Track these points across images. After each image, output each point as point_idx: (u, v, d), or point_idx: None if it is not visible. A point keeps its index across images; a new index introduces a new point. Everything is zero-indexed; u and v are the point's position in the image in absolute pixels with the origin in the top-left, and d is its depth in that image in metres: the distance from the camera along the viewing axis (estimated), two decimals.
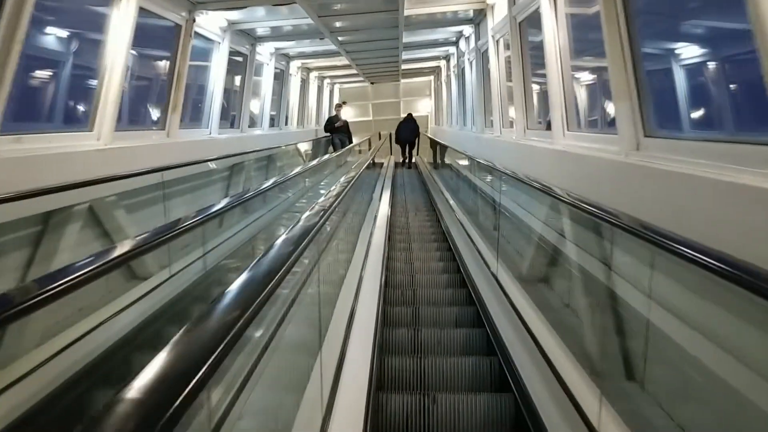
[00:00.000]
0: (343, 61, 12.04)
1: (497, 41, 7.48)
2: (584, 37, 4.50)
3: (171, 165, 5.35)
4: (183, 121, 7.10)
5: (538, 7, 4.85)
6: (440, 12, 8.31)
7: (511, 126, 6.76)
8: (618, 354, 2.82)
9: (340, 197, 4.69)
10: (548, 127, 5.28)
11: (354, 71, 14.48)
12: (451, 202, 8.73)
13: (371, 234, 6.47)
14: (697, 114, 3.18)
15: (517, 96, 5.91)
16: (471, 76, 10.07)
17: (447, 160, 12.23)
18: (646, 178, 2.79)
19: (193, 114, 7.33)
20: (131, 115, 5.83)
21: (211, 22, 6.96)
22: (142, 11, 5.27)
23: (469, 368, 3.43)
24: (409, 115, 16.07)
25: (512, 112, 6.75)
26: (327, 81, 17.58)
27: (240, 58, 8.69)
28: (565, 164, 3.91)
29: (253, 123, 9.97)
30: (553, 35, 4.58)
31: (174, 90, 6.01)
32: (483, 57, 8.87)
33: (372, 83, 19.04)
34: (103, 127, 4.57)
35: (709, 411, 2.29)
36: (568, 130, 4.28)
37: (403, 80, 18.70)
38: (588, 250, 3.48)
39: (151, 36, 6.19)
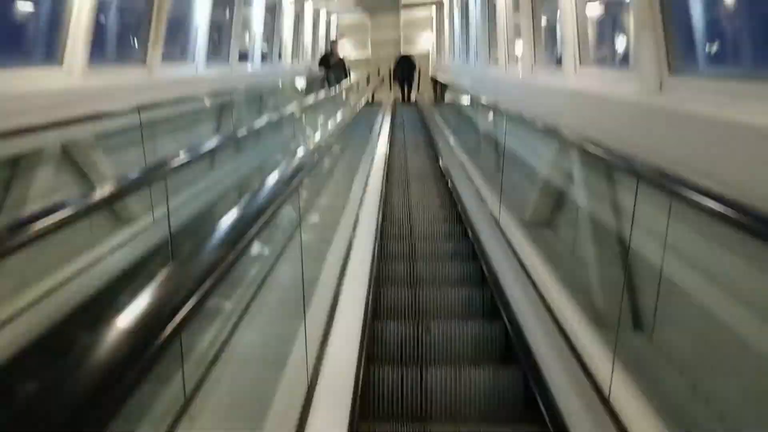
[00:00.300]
0: None
1: None
2: None
3: (154, 103, 5.02)
4: (168, 57, 6.67)
5: None
6: None
7: (517, 62, 6.34)
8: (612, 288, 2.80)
9: (335, 137, 4.42)
10: (558, 63, 4.90)
11: (351, 2, 13.75)
12: (451, 140, 8.42)
13: (369, 172, 6.31)
14: (732, 48, 2.83)
15: (524, 29, 5.47)
16: (475, 8, 9.48)
17: (449, 98, 11.78)
18: (670, 124, 2.49)
19: (179, 49, 6.88)
20: (108, 49, 5.41)
21: None
22: None
23: (462, 299, 3.59)
24: (406, 54, 16.37)
25: (519, 47, 6.32)
26: (323, 13, 16.75)
27: None
28: (576, 105, 3.59)
29: (243, 58, 9.47)
30: None
31: (155, 22, 5.54)
32: None
33: (370, 13, 18.21)
34: (74, 62, 4.20)
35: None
36: (580, 66, 3.92)
37: (403, 12, 17.86)
38: (590, 190, 3.29)
39: None
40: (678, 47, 2.64)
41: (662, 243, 2.46)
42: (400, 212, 5.55)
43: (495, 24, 7.32)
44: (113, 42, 5.54)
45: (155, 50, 5.56)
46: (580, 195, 3.53)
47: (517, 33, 6.22)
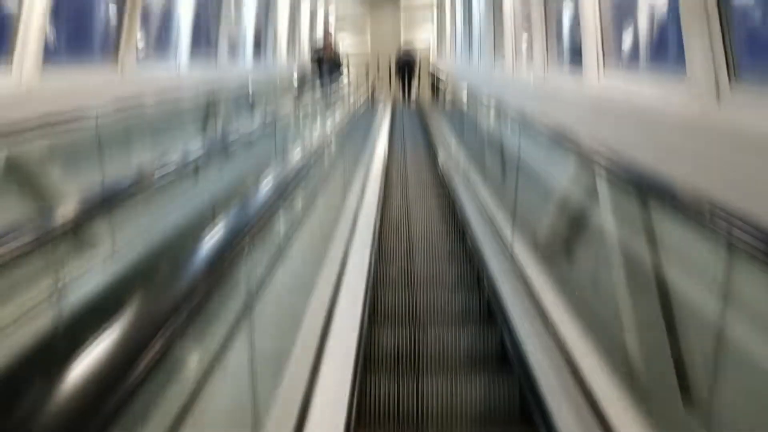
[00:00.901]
0: None
1: None
2: None
3: (119, 108, 4.48)
4: (145, 54, 6.16)
5: None
6: None
7: (527, 63, 5.80)
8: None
9: (324, 148, 3.90)
10: (577, 65, 4.38)
11: None
12: (453, 147, 7.88)
13: (365, 186, 5.69)
14: None
15: (535, 23, 4.94)
16: (478, 1, 8.94)
17: (450, 97, 11.24)
18: (728, 145, 1.98)
19: (158, 45, 6.34)
20: (72, 46, 4.88)
21: None
22: None
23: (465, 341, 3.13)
24: (407, 48, 16.16)
25: (528, 45, 5.77)
26: (320, 8, 16.21)
27: None
28: (603, 117, 3.06)
29: (233, 54, 8.95)
30: None
31: (129, 13, 5.02)
32: None
33: (370, 6, 17.74)
34: (24, 62, 3.68)
35: None
36: (606, 67, 3.39)
37: (403, 6, 17.35)
38: (617, 217, 2.78)
39: None
40: (742, 47, 2.12)
41: (716, 291, 1.99)
42: (398, 235, 4.86)
43: (501, 20, 6.78)
44: (79, 38, 5.01)
45: (128, 47, 5.03)
46: (604, 220, 3.02)
47: (527, 30, 5.69)
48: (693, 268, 2.16)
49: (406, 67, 15.93)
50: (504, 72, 6.45)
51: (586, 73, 3.55)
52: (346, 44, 18.75)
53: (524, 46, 6.09)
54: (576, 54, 3.91)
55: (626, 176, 2.54)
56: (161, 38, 6.31)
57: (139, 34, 5.24)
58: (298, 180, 2.76)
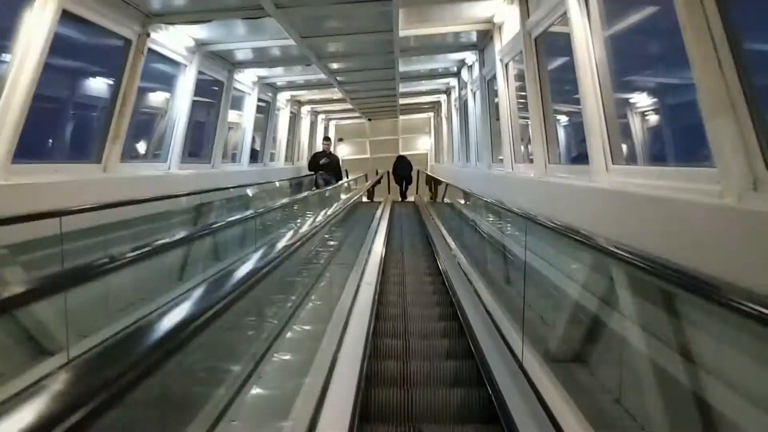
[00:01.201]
0: (338, 94, 11.10)
1: (506, 65, 6.47)
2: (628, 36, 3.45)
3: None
4: (145, 155, 6.08)
5: (565, 12, 3.82)
6: (440, 34, 7.33)
7: (525, 161, 5.67)
8: None
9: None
10: (575, 161, 4.21)
11: (350, 105, 13.60)
12: (455, 251, 7.57)
13: (355, 299, 5.22)
14: None
15: (534, 124, 4.83)
16: (475, 107, 9.07)
17: (448, 199, 11.15)
18: None
19: (152, 146, 6.27)
20: (50, 145, 4.75)
21: (173, 40, 5.96)
22: (86, 23, 4.44)
23: None
24: (403, 154, 17.81)
25: (527, 144, 5.67)
26: (321, 116, 16.69)
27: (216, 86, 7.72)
28: (618, 209, 2.77)
29: (233, 158, 8.97)
30: (586, 42, 3.53)
31: (117, 116, 4.94)
32: (489, 86, 7.88)
33: (369, 119, 18.29)
34: None
35: None
36: (613, 162, 3.16)
37: (401, 116, 17.90)
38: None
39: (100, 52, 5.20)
40: None
41: None
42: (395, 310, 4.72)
43: (498, 124, 6.75)
44: (63, 135, 4.90)
45: (113, 147, 4.88)
46: (627, 325, 2.63)
47: (525, 130, 5.61)
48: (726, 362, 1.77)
49: (402, 170, 17.09)
50: (503, 171, 6.31)
51: (592, 168, 3.32)
52: (346, 150, 19.24)
53: (521, 149, 6.01)
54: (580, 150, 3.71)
55: (647, 269, 2.20)
56: (152, 139, 6.25)
57: (124, 137, 5.09)
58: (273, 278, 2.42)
